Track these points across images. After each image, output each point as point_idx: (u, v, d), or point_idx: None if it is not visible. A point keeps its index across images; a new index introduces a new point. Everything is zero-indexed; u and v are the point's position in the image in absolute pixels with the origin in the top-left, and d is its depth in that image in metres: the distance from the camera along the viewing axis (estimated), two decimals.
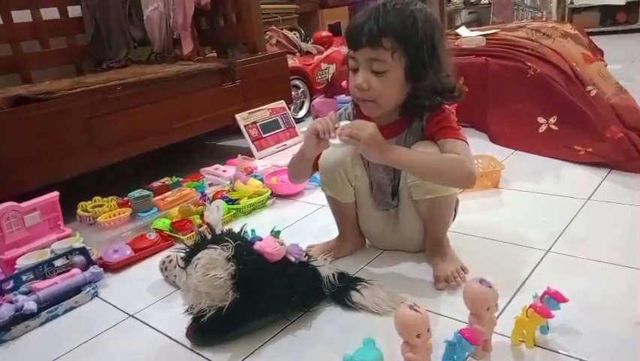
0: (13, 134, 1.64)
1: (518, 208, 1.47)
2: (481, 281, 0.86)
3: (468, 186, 1.07)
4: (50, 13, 2.53)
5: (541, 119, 1.97)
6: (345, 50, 1.65)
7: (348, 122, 1.05)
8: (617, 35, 4.29)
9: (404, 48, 1.02)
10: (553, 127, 1.94)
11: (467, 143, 1.09)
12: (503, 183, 1.62)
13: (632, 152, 1.66)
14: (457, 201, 1.26)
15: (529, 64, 2.08)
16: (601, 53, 2.86)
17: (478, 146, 2.00)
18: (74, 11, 2.64)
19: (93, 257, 1.44)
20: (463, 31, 2.70)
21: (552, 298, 0.89)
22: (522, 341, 0.90)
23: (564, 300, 0.89)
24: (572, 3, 4.79)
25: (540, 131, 1.96)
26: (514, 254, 1.21)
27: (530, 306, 0.88)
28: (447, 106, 1.11)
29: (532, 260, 1.17)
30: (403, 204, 1.22)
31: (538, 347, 0.89)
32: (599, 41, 2.93)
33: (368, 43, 1.01)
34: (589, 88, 2.03)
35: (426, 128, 1.11)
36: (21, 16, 2.40)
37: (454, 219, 1.28)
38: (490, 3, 4.69)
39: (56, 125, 1.73)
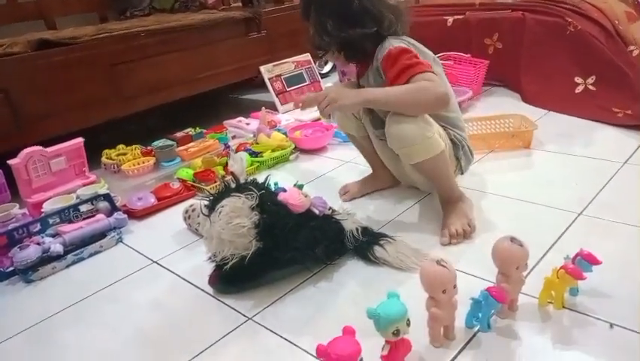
0: (37, 79, 1.63)
1: (550, 170, 1.41)
2: (512, 240, 0.83)
3: (443, 105, 1.10)
4: None
5: (578, 79, 1.88)
6: None
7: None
8: None
9: (320, 12, 1.18)
10: (590, 87, 1.85)
11: (429, 69, 1.10)
12: (535, 144, 1.56)
13: None
14: (470, 152, 1.27)
15: (570, 19, 1.97)
16: None
17: (509, 106, 1.93)
18: None
19: (117, 204, 1.45)
20: None
21: (585, 260, 0.86)
22: (550, 302, 0.88)
23: (597, 262, 0.86)
24: None
25: (577, 91, 1.88)
26: (544, 216, 1.18)
27: (562, 267, 0.85)
28: (392, 45, 1.14)
29: (563, 222, 1.13)
30: None
31: (567, 308, 0.87)
32: None
33: (304, 15, 1.22)
34: (631, 48, 1.92)
35: (386, 79, 1.15)
36: None
37: (462, 173, 1.29)
38: None
39: (80, 71, 1.72)
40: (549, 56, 1.99)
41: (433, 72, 1.10)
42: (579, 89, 1.88)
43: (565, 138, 1.60)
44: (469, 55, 2.15)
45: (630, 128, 1.60)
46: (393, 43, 1.15)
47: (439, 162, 1.14)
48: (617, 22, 2.05)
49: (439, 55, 2.15)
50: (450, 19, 2.27)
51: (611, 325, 0.82)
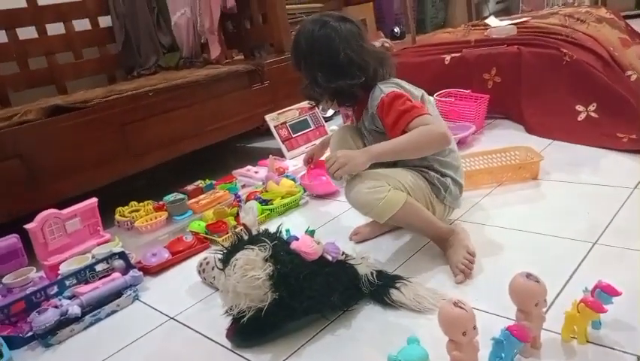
0: (51, 143, 1.68)
1: (560, 200, 1.41)
2: (528, 276, 0.83)
3: (446, 143, 1.19)
4: (82, 25, 2.60)
5: (579, 107, 1.90)
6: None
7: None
8: None
9: (303, 65, 1.29)
10: (592, 115, 1.87)
11: (424, 112, 1.17)
12: (542, 175, 1.57)
13: None
14: (459, 189, 1.29)
15: (565, 50, 2.01)
16: (639, 36, 2.74)
17: (513, 137, 1.95)
18: (105, 21, 2.71)
19: (132, 261, 1.46)
20: (492, 21, 2.63)
21: (604, 292, 0.85)
22: (573, 338, 0.87)
23: (617, 293, 0.85)
24: None
25: (579, 119, 1.89)
26: (558, 247, 1.17)
27: (581, 301, 0.84)
28: (384, 92, 1.20)
29: (578, 253, 1.12)
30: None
31: (591, 343, 0.86)
32: (636, 25, 2.81)
33: (295, 67, 1.33)
34: (629, 73, 1.95)
35: (384, 126, 1.22)
36: (54, 28, 2.48)
37: (454, 209, 1.32)
38: None
39: (92, 133, 1.77)
40: (548, 86, 2.02)
41: (428, 114, 1.16)
42: (581, 116, 1.89)
43: (572, 166, 1.60)
44: (469, 90, 2.18)
45: (637, 152, 1.60)
46: (383, 90, 1.21)
47: (406, 214, 1.17)
48: (611, 49, 2.09)
49: (439, 93, 2.22)
50: (447, 57, 2.32)
51: (639, 358, 0.80)
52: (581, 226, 1.24)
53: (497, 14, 4.06)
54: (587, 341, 0.86)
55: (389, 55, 1.31)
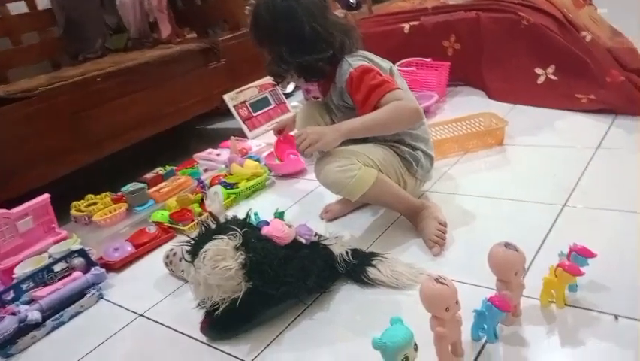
0: None
1: (526, 164, 1.42)
2: (507, 245, 0.82)
3: (418, 119, 1.18)
4: (18, 7, 2.41)
5: (538, 70, 1.91)
6: None
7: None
8: None
9: (267, 42, 1.22)
10: (551, 77, 1.89)
11: (395, 86, 1.13)
12: (507, 140, 1.57)
13: (635, 94, 1.61)
14: (429, 162, 1.27)
15: (522, 14, 2.01)
16: None
17: (476, 104, 1.95)
18: (43, 3, 2.51)
19: (93, 258, 1.39)
20: None
21: (579, 255, 0.86)
22: (551, 302, 0.87)
23: (592, 255, 0.86)
24: None
25: (539, 82, 1.90)
26: (528, 212, 1.17)
27: (558, 265, 0.84)
28: (352, 66, 1.16)
29: (548, 217, 1.13)
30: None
31: (569, 306, 0.86)
32: None
33: (255, 42, 1.24)
34: (583, 33, 1.96)
35: (354, 103, 1.18)
36: None
37: (424, 182, 1.31)
38: None
39: (38, 124, 1.66)
40: (507, 51, 2.02)
41: (399, 88, 1.13)
42: (541, 79, 1.90)
43: (535, 130, 1.62)
44: (430, 59, 2.16)
45: (596, 112, 1.63)
46: (352, 64, 1.17)
47: (378, 191, 1.14)
48: (565, 11, 2.10)
49: (400, 62, 2.18)
50: (406, 26, 2.28)
51: (616, 316, 0.82)
52: (548, 189, 1.24)
53: None
54: (565, 305, 0.86)
55: (354, 26, 1.26)
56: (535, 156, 1.46)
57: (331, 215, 1.37)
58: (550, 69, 1.90)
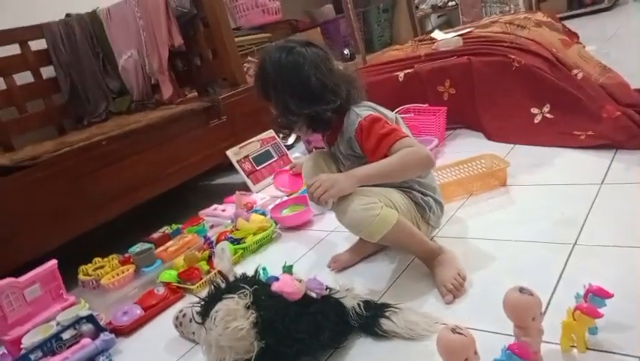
0: (1, 206, 1.57)
1: (532, 204, 1.42)
2: (521, 290, 0.81)
3: (430, 165, 1.17)
4: (24, 78, 2.49)
5: (534, 110, 1.95)
6: None
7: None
8: (586, 17, 4.33)
9: (273, 95, 1.22)
10: (548, 115, 1.91)
11: (404, 134, 1.15)
12: (510, 180, 1.58)
13: (632, 129, 1.62)
14: (440, 208, 1.29)
15: (512, 56, 2.06)
16: (576, 36, 2.86)
17: (476, 146, 1.97)
18: (48, 72, 2.60)
19: (102, 323, 1.37)
20: (437, 34, 2.69)
21: (596, 296, 0.84)
22: (572, 346, 0.85)
23: (609, 295, 0.84)
24: None
25: (536, 121, 1.93)
26: (539, 252, 1.16)
27: (576, 308, 0.83)
28: (360, 116, 1.18)
29: (560, 257, 1.11)
30: None
31: (591, 350, 0.84)
32: (570, 25, 2.94)
33: (263, 98, 1.25)
34: (575, 71, 2.01)
35: (364, 152, 1.19)
36: None
37: (433, 230, 1.33)
38: (457, 4, 4.73)
39: (45, 190, 1.67)
40: (502, 92, 2.06)
41: (407, 136, 1.14)
42: (537, 118, 1.93)
43: (537, 168, 1.63)
44: (426, 105, 2.21)
45: (595, 148, 1.64)
46: (360, 114, 1.19)
47: (398, 232, 1.13)
48: (554, 51, 2.16)
49: (399, 109, 2.22)
50: (401, 75, 2.34)
51: None
52: (556, 228, 1.24)
53: (440, 27, 4.18)
54: (587, 348, 0.84)
55: (358, 77, 1.29)
56: (540, 194, 1.46)
57: (339, 265, 1.36)
58: (546, 108, 1.93)
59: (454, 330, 0.75)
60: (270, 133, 2.42)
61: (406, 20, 4.46)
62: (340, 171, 1.28)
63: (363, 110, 1.20)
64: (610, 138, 1.64)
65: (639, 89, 1.89)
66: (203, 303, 1.00)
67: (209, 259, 1.58)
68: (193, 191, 2.64)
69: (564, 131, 1.80)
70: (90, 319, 1.34)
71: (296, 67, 1.18)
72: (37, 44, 2.54)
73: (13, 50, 2.44)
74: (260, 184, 2.23)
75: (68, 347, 1.27)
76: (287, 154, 2.43)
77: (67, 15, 2.66)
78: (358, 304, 1.06)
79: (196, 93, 2.68)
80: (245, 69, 2.86)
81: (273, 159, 2.35)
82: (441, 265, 1.15)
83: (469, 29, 2.62)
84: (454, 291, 1.09)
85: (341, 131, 1.24)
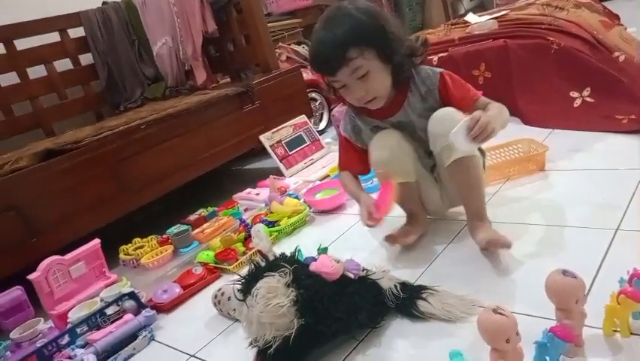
0: (46, 189, 1.63)
1: (572, 188, 1.39)
2: (565, 273, 0.80)
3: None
4: (63, 65, 2.56)
5: (574, 94, 1.90)
6: None
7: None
8: None
9: (366, 45, 1.12)
10: (588, 99, 1.86)
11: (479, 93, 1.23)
12: (548, 165, 1.55)
13: None
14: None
15: (551, 38, 2.01)
16: (617, 17, 2.76)
17: (512, 130, 1.91)
18: (86, 59, 2.67)
19: (143, 300, 1.42)
20: (471, 17, 2.63)
21: None
22: (615, 331, 0.84)
23: None
24: None
25: (575, 105, 1.88)
26: (581, 238, 1.14)
27: (621, 292, 0.81)
28: (436, 71, 1.23)
29: (602, 241, 1.09)
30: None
31: (635, 334, 0.83)
32: (610, 6, 2.83)
33: (340, 66, 1.12)
34: (616, 54, 1.94)
35: (450, 101, 1.21)
36: (36, 71, 2.44)
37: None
38: None
39: (87, 173, 1.73)
40: (540, 76, 2.02)
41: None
42: (577, 102, 1.89)
43: (577, 153, 1.59)
44: None
45: (638, 132, 1.59)
46: (433, 69, 1.24)
47: (474, 165, 1.19)
48: (595, 33, 2.09)
49: None
50: (435, 58, 2.31)
51: None
52: (598, 213, 1.22)
53: (474, 11, 4.09)
54: (631, 333, 0.83)
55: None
56: (580, 179, 1.43)
57: (404, 242, 1.32)
58: (586, 91, 1.88)
59: (495, 310, 0.75)
60: (303, 118, 2.43)
61: (437, 4, 4.37)
62: (412, 138, 1.29)
63: (433, 68, 1.24)
64: None
65: None
66: (244, 281, 1.02)
67: (245, 241, 1.62)
68: (226, 176, 2.68)
69: (606, 115, 1.75)
70: (132, 296, 1.39)
71: (386, 17, 1.17)
72: (76, 32, 2.61)
73: (53, 37, 2.51)
74: (293, 168, 2.25)
75: (112, 322, 1.32)
76: (319, 139, 2.44)
77: (104, 3, 2.72)
78: (395, 286, 1.07)
79: (229, 79, 2.71)
80: (276, 55, 2.88)
81: (306, 144, 2.36)
82: (485, 228, 1.19)
83: (504, 12, 2.55)
84: (496, 245, 1.13)
85: (410, 91, 1.23)
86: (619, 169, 1.40)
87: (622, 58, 1.92)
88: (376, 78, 1.15)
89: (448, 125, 1.08)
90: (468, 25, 2.46)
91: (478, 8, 4.88)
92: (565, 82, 1.95)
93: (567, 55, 1.95)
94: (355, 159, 1.36)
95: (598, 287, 0.95)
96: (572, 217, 1.23)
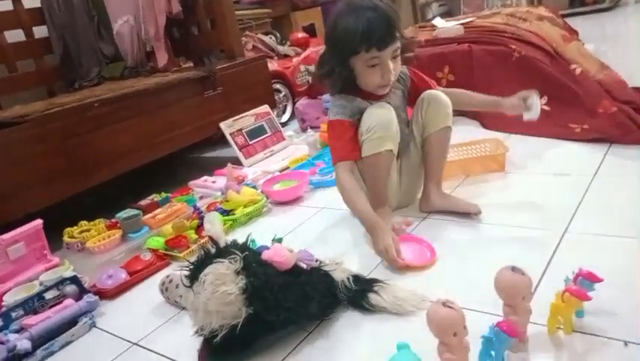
0: None
1: (526, 190, 1.43)
2: (514, 269, 0.81)
3: None
4: (15, 36, 2.42)
5: None
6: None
7: None
8: (586, 16, 4.33)
9: (399, 33, 1.29)
10: (545, 107, 1.91)
11: None
12: (508, 166, 1.58)
13: (628, 124, 1.63)
14: None
15: (513, 47, 2.06)
16: (576, 33, 2.86)
17: (472, 133, 1.97)
18: (41, 32, 2.53)
19: (86, 285, 1.35)
20: (438, 22, 2.67)
21: (586, 280, 0.85)
22: (559, 328, 0.86)
23: (599, 280, 0.85)
24: None
25: None
26: (530, 238, 1.17)
27: (566, 290, 0.83)
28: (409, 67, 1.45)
29: (550, 242, 1.12)
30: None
31: (577, 332, 0.85)
32: (571, 23, 2.94)
33: (391, 41, 1.24)
34: (573, 66, 2.01)
35: (418, 87, 1.45)
36: None
37: None
38: None
39: (34, 149, 1.64)
40: (500, 82, 2.05)
41: None
42: None
43: (532, 158, 1.63)
44: None
45: (589, 141, 1.65)
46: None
47: (449, 135, 1.39)
48: (555, 45, 2.17)
49: None
50: None
51: (626, 343, 0.80)
52: (549, 215, 1.25)
53: (441, 16, 4.16)
54: (573, 331, 0.85)
55: None
56: (535, 182, 1.47)
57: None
58: (543, 100, 1.93)
59: (444, 304, 0.75)
60: (266, 108, 2.40)
61: (407, 7, 4.43)
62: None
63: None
64: (605, 132, 1.65)
65: (636, 87, 1.90)
66: (192, 267, 0.99)
67: (197, 229, 1.57)
68: (184, 163, 2.61)
69: (560, 123, 1.80)
70: (74, 280, 1.32)
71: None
72: (32, 2, 2.47)
73: (6, 5, 2.37)
74: (252, 158, 2.21)
75: (51, 307, 1.25)
76: (281, 130, 2.41)
77: None
78: (347, 278, 1.06)
79: (191, 64, 2.63)
80: (242, 43, 2.82)
81: (267, 134, 2.33)
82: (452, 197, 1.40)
83: (470, 19, 2.60)
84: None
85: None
86: (570, 175, 1.45)
87: (578, 71, 1.99)
88: (399, 61, 1.31)
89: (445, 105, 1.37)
90: (434, 29, 2.50)
91: (446, 14, 4.97)
92: (524, 89, 1.98)
93: (527, 63, 2.01)
94: (352, 140, 1.32)
95: (543, 286, 0.97)
96: (523, 218, 1.26)
